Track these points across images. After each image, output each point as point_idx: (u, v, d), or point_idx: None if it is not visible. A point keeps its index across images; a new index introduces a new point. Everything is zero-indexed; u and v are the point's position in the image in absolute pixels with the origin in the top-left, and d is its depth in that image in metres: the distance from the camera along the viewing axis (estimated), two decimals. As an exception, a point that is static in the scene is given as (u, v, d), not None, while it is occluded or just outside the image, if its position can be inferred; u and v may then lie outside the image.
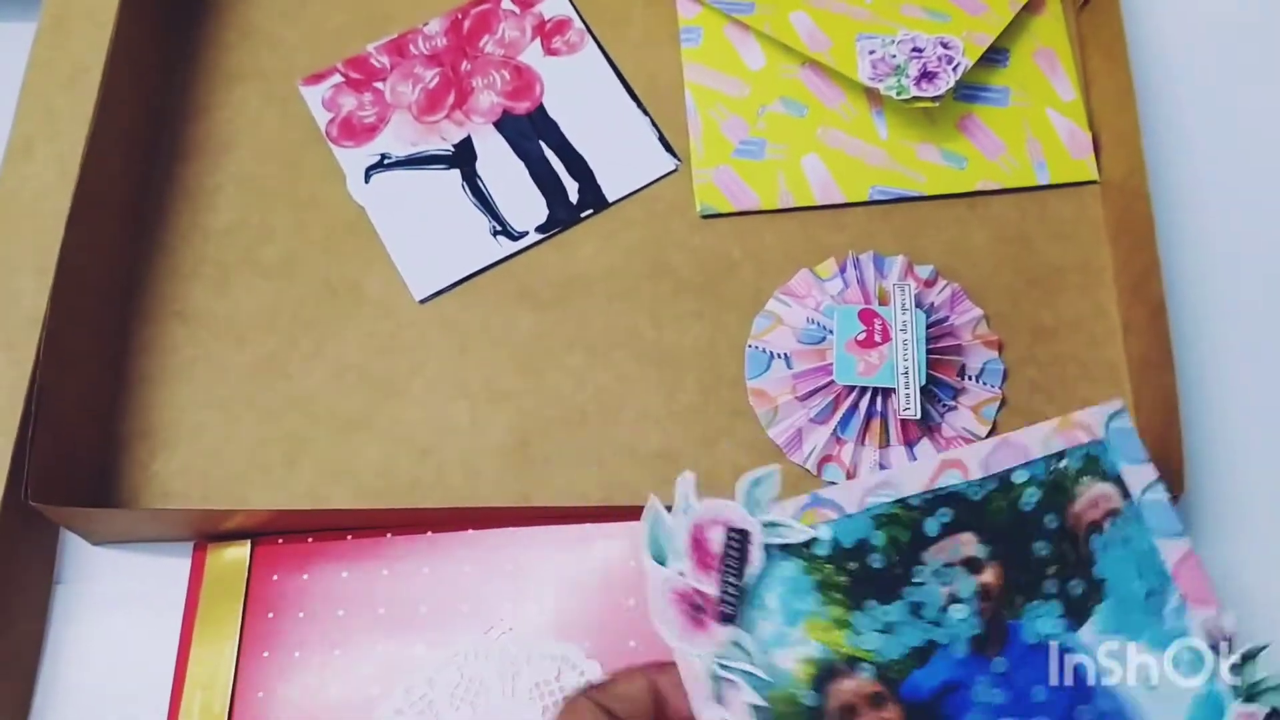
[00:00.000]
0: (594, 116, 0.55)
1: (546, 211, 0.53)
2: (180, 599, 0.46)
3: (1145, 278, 0.48)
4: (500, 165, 0.54)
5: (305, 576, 0.45)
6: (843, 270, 0.51)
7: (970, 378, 0.49)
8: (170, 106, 0.57)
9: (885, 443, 0.48)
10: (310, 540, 0.46)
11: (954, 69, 0.52)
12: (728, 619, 0.34)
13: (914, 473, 0.38)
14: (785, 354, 0.49)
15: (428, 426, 0.50)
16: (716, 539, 0.35)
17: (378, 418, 0.50)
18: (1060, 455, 0.39)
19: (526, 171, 0.54)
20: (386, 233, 0.53)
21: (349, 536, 0.46)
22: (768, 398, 0.49)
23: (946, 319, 0.50)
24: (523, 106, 0.55)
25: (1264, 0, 0.57)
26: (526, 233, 0.53)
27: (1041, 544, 0.38)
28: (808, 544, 0.36)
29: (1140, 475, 0.39)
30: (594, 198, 0.53)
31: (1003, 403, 0.49)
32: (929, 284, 0.51)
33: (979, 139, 0.53)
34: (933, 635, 0.36)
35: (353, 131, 0.55)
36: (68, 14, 0.53)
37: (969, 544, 0.37)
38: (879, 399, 0.48)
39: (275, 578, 0.46)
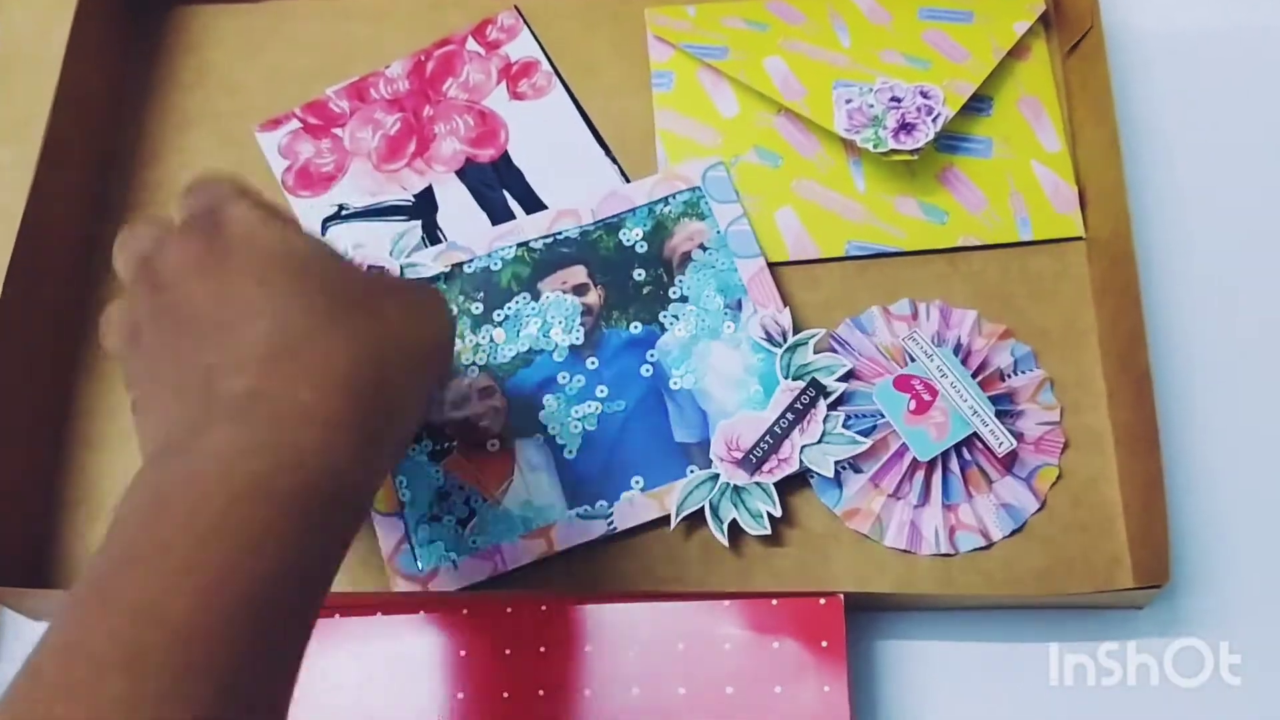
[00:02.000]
0: (560, 165, 0.53)
1: None
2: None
3: (1131, 345, 0.45)
4: (462, 216, 0.52)
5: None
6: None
7: (1009, 375, 0.48)
8: (122, 151, 0.54)
9: (989, 483, 0.46)
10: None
11: (933, 120, 0.50)
12: None
13: (534, 222, 0.50)
14: (849, 463, 0.47)
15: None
16: None
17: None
18: (664, 201, 0.49)
19: (489, 223, 0.52)
20: None
21: (336, 615, 0.44)
22: (864, 513, 0.46)
23: (959, 338, 0.48)
24: (487, 154, 0.53)
25: (1260, 51, 0.55)
26: None
27: (640, 271, 0.49)
28: (443, 278, 0.49)
29: (728, 211, 0.49)
30: None
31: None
32: (914, 318, 0.49)
33: (960, 192, 0.51)
34: (538, 345, 0.48)
35: (310, 181, 0.53)
36: (13, 60, 0.51)
37: (578, 274, 0.49)
38: (963, 450, 0.46)
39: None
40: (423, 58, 0.55)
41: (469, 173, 0.53)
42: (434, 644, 0.43)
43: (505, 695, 0.42)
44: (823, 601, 0.42)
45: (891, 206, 0.51)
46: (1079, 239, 0.51)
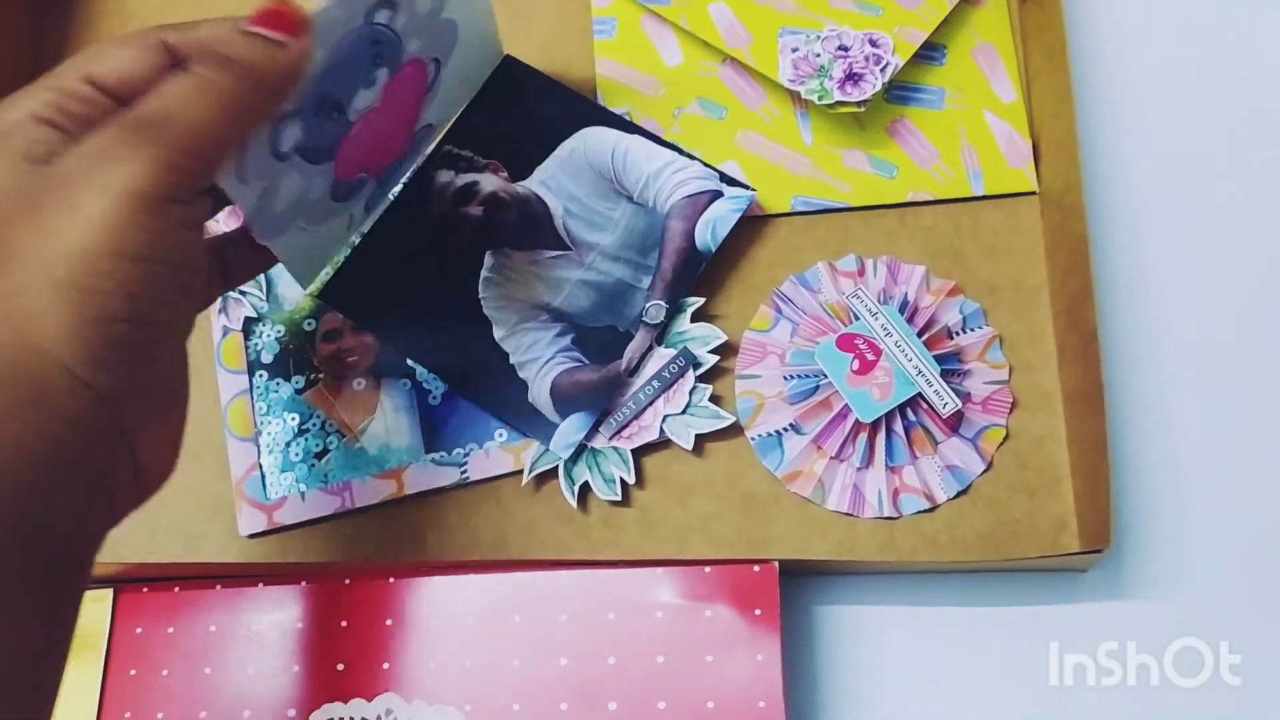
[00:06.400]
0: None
1: None
2: (37, 654, 0.43)
3: (1079, 304, 0.44)
4: None
5: (171, 630, 0.42)
6: (778, 312, 0.47)
7: (958, 333, 0.47)
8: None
9: (935, 444, 0.45)
10: (177, 590, 0.43)
11: (881, 70, 0.48)
12: None
13: None
14: (790, 425, 0.45)
15: (312, 460, 0.46)
16: None
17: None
18: None
19: None
20: None
21: (218, 585, 0.43)
22: (806, 475, 0.45)
23: (906, 295, 0.47)
24: None
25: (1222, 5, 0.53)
26: None
27: None
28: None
29: None
30: None
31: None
32: (860, 274, 0.48)
33: (910, 145, 0.49)
34: None
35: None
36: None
37: None
38: (908, 410, 0.45)
39: (139, 630, 0.42)
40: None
41: None
42: (361, 614, 0.42)
43: (432, 666, 0.41)
44: (757, 569, 0.41)
45: (839, 160, 0.49)
46: (1033, 194, 0.49)
